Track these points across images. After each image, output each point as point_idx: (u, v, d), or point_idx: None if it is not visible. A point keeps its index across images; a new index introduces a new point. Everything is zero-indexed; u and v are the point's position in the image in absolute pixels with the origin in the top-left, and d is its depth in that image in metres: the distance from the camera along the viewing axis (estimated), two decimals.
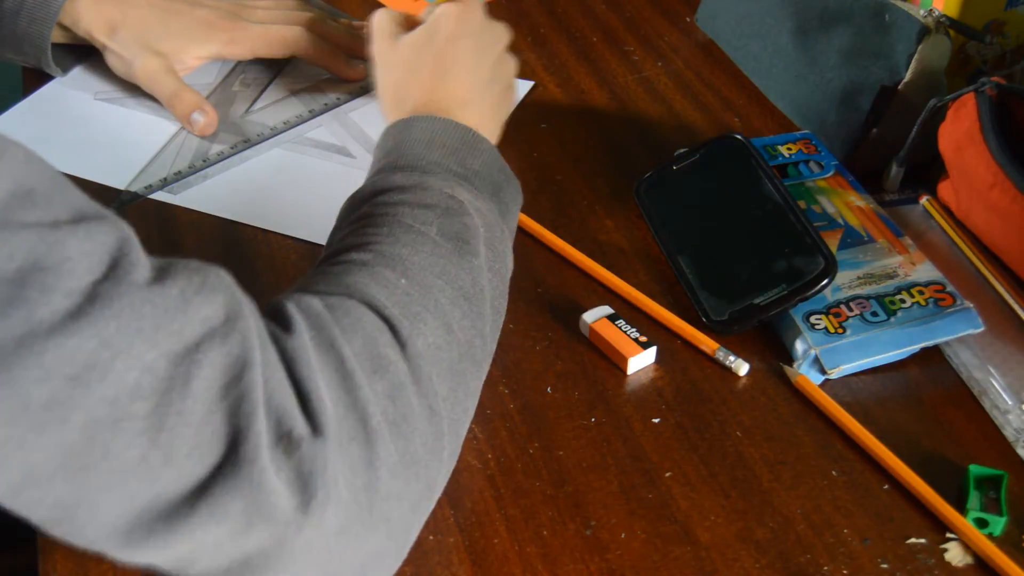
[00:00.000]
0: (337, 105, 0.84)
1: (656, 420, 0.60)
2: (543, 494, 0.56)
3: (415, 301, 0.49)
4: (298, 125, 0.82)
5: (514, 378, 0.62)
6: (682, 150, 0.74)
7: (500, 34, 0.68)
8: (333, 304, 0.47)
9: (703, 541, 0.54)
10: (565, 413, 0.60)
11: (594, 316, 0.64)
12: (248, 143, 0.80)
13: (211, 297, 0.41)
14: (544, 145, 0.80)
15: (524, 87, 0.86)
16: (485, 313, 0.53)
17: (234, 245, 0.71)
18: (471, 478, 0.57)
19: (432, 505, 0.50)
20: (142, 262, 0.40)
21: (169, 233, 0.72)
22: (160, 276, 0.40)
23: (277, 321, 0.45)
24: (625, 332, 0.63)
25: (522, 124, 0.82)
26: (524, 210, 0.72)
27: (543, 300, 0.67)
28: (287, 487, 0.41)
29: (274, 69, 0.88)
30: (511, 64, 0.69)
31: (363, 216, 0.54)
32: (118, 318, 0.37)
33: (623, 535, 0.54)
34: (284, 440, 0.41)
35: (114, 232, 0.39)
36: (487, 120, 0.64)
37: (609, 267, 0.69)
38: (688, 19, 0.95)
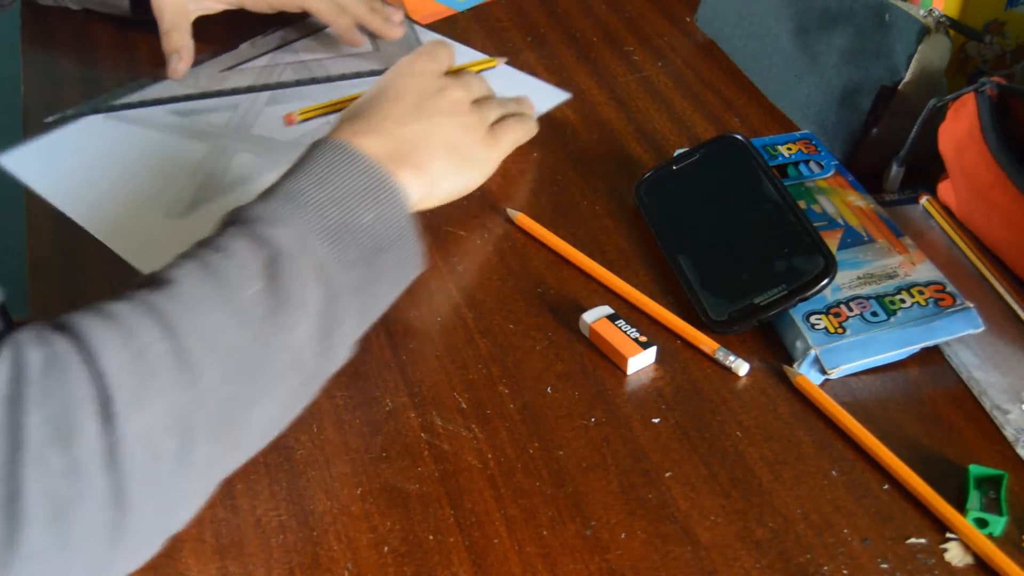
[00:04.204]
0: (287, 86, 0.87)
1: (656, 420, 0.60)
2: (543, 494, 0.56)
3: (161, 372, 0.46)
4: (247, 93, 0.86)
5: (514, 378, 0.62)
6: (682, 150, 0.74)
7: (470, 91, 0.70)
8: (55, 357, 0.44)
9: (703, 541, 0.54)
10: (565, 413, 0.60)
11: (594, 316, 0.64)
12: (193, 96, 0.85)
13: None
14: (544, 145, 0.80)
15: (560, 97, 0.86)
16: (265, 395, 0.50)
17: None
18: (471, 478, 0.57)
19: None
20: None
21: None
22: None
23: None
24: (625, 332, 0.63)
25: None
26: (524, 210, 0.73)
27: (543, 300, 0.67)
28: None
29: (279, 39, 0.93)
30: (478, 115, 0.70)
31: (209, 239, 0.53)
32: None
33: (623, 535, 0.54)
34: None
35: None
36: (432, 164, 0.64)
37: (609, 267, 0.69)
38: (688, 19, 0.95)
